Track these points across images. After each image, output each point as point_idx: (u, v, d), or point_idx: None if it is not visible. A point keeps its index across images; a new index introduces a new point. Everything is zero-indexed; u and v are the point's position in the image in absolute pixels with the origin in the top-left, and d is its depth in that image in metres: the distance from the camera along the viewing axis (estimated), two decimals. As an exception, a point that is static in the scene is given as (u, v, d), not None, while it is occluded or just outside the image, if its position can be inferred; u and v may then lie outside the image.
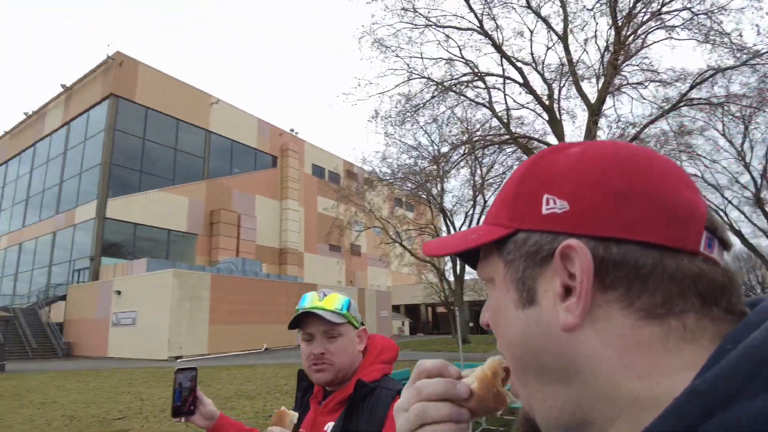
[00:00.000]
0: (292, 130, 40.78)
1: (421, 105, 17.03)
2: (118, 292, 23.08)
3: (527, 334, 0.43)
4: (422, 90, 17.00)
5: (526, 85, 15.62)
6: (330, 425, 1.29)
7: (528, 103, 16.55)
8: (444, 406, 0.48)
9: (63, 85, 32.77)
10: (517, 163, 20.13)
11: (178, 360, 20.46)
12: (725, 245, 0.42)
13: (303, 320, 1.37)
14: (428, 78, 16.64)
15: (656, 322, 0.38)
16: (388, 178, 23.91)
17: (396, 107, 17.47)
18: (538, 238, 0.42)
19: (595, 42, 14.93)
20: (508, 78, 16.13)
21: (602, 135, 15.58)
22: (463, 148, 17.75)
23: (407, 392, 0.50)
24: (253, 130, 37.24)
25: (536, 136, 17.45)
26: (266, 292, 24.48)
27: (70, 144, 31.82)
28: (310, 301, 1.37)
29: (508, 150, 19.35)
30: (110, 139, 28.49)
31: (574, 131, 21.63)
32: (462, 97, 17.14)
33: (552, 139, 16.10)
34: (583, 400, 0.40)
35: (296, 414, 1.34)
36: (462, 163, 19.93)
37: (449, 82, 16.53)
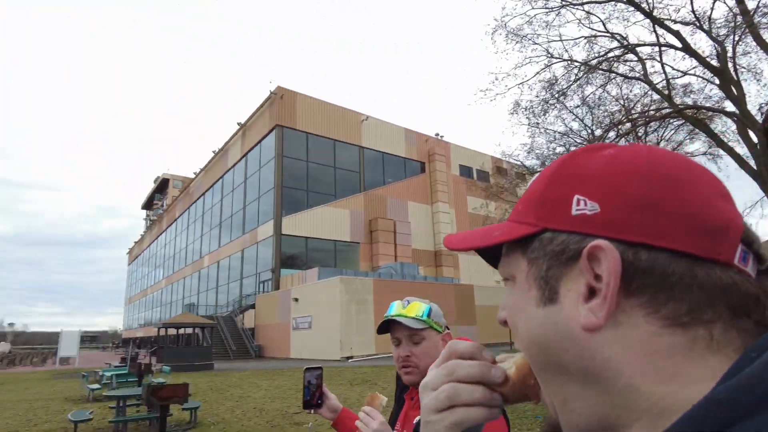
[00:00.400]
0: (437, 135, 41.33)
1: (566, 89, 15.94)
2: (296, 299, 25.73)
3: (546, 333, 0.42)
4: (565, 74, 15.92)
5: (686, 49, 13.58)
6: (418, 418, 1.35)
7: (693, 68, 14.40)
8: (477, 389, 0.47)
9: (239, 123, 37.95)
10: (688, 138, 17.69)
11: (349, 360, 22.03)
12: (760, 260, 0.40)
13: (390, 326, 1.53)
14: (570, 60, 15.52)
15: (681, 330, 0.37)
16: (540, 170, 22.76)
17: (537, 96, 16.62)
18: (566, 238, 0.41)
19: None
20: (665, 45, 14.21)
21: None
22: (622, 128, 16.10)
23: (436, 371, 0.49)
24: (401, 140, 38.65)
25: (708, 105, 15.06)
26: (424, 294, 24.91)
27: (249, 172, 36.58)
28: (395, 309, 1.53)
29: (676, 124, 17.05)
30: (280, 165, 32.07)
31: (760, 90, 18.12)
32: (612, 74, 15.62)
33: (729, 105, 13.75)
34: (602, 403, 0.39)
35: (386, 398, 1.49)
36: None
37: (595, 59, 15.21)
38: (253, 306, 31.32)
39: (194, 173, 50.29)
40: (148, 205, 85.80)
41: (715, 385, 0.33)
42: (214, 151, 43.56)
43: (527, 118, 17.99)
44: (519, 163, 22.86)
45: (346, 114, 35.90)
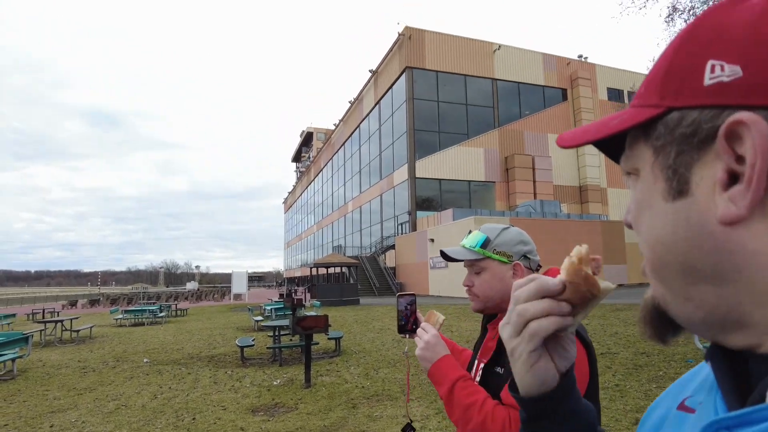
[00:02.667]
0: (580, 57, 37.38)
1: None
2: (432, 240, 26.18)
3: (675, 230, 0.37)
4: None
5: None
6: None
7: None
8: (541, 301, 0.47)
9: (370, 70, 38.38)
10: None
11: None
12: None
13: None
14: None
15: None
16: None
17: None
18: (697, 116, 0.35)
19: None
20: None
21: None
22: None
23: (508, 312, 0.50)
24: (539, 67, 35.74)
25: None
26: (567, 232, 23.66)
27: (382, 119, 37.20)
28: (479, 223, 1.47)
29: None
30: (411, 108, 31.99)
31: None
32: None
33: None
34: (740, 301, 0.34)
35: (443, 316, 1.50)
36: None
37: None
38: (393, 246, 32.68)
39: (334, 125, 52.79)
40: (296, 157, 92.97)
41: None
42: (350, 102, 45.00)
43: (686, 22, 15.23)
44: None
45: (477, 46, 34.07)
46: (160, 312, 19.62)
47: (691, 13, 14.44)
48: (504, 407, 1.14)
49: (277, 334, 10.03)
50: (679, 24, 15.07)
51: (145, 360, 9.58)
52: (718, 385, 0.40)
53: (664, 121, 0.37)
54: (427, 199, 32.11)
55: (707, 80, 0.34)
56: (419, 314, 1.68)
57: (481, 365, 1.39)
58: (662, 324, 0.41)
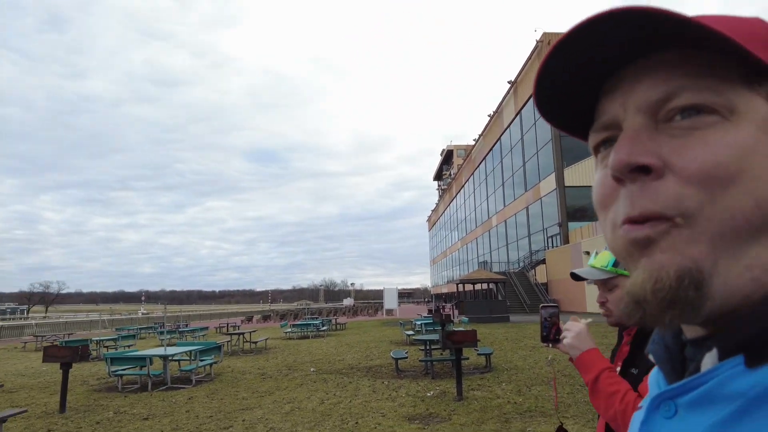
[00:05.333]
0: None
1: None
2: (587, 253, 24.50)
3: None
4: None
5: None
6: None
7: None
8: None
9: (509, 81, 37.73)
10: None
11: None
12: None
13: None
14: None
15: None
16: None
17: None
18: None
19: None
20: None
21: None
22: None
23: None
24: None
25: None
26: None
27: (524, 129, 36.14)
28: (591, 259, 1.65)
29: None
30: (554, 114, 30.69)
31: None
32: None
33: None
34: None
35: (586, 320, 1.61)
36: None
37: None
38: (543, 261, 31.25)
39: (474, 140, 52.70)
40: (438, 176, 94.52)
41: None
42: (489, 115, 44.62)
43: None
44: None
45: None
46: (323, 326, 21.37)
47: None
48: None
49: (428, 347, 10.35)
50: None
51: (311, 369, 10.60)
52: (659, 369, 0.42)
53: None
54: (580, 208, 30.23)
55: None
56: (561, 325, 1.76)
57: (617, 368, 1.47)
58: (687, 305, 0.32)
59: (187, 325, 27.10)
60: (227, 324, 25.89)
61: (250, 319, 33.82)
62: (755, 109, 0.33)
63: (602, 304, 1.56)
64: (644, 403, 0.40)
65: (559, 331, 1.75)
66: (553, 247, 30.58)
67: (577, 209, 30.02)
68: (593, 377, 1.37)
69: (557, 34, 31.15)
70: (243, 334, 15.70)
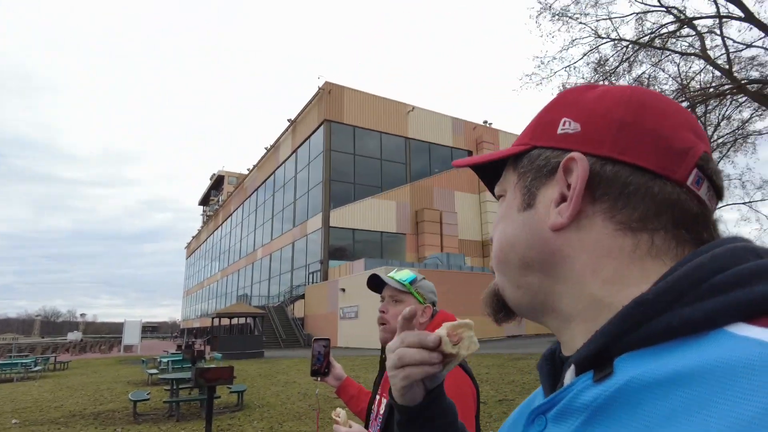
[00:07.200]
0: (485, 122, 40.55)
1: (616, 68, 15.16)
2: (343, 290, 26.10)
3: (519, 233, 0.49)
4: (615, 53, 15.14)
5: (750, 18, 12.58)
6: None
7: (759, 39, 13.32)
8: (418, 351, 0.60)
9: (289, 120, 38.73)
10: (756, 116, 16.39)
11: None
12: (717, 191, 0.46)
13: (381, 286, 1.70)
14: (619, 39, 14.74)
15: (630, 234, 0.43)
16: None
17: (583, 78, 15.89)
18: (549, 154, 0.48)
19: None
20: (726, 16, 13.22)
21: None
22: (677, 107, 15.06)
23: (396, 338, 0.63)
24: (448, 129, 38.19)
25: None
26: (470, 284, 24.78)
27: (299, 168, 37.31)
28: (388, 272, 1.71)
29: (740, 100, 15.84)
30: (328, 159, 32.52)
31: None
32: (666, 51, 14.73)
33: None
34: (553, 292, 0.46)
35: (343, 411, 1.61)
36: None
37: (646, 36, 14.38)
38: (302, 296, 32.04)
39: (248, 170, 51.91)
40: (204, 201, 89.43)
41: (647, 289, 0.39)
42: (266, 148, 44.75)
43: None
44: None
45: (393, 106, 35.85)
46: (35, 365, 17.46)
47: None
48: None
49: (175, 387, 9.36)
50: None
51: (14, 421, 8.45)
52: (542, 386, 0.51)
53: (529, 155, 0.51)
54: (340, 248, 32.19)
55: (559, 130, 0.48)
56: (332, 358, 1.80)
57: (383, 401, 1.50)
58: (499, 306, 0.54)
59: None
60: None
61: None
62: (511, 183, 0.53)
63: (382, 313, 1.62)
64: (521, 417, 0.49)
65: (329, 365, 1.78)
66: (313, 282, 31.67)
67: (337, 248, 31.92)
68: None
69: (339, 85, 33.51)
70: None
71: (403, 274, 1.65)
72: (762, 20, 12.59)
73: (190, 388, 10.21)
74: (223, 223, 62.46)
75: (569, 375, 0.42)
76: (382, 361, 1.64)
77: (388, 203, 33.88)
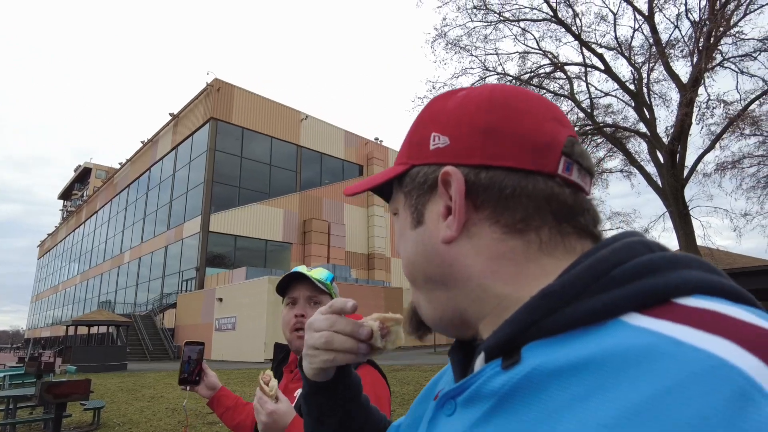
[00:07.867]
0: (376, 139, 41.55)
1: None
2: (220, 300, 24.86)
3: (417, 250, 0.51)
4: (498, 86, 16.51)
5: (608, 71, 14.64)
6: (299, 391, 1.34)
7: (614, 90, 15.45)
8: (348, 340, 0.60)
9: (171, 114, 36.27)
10: (608, 155, 18.84)
11: (265, 360, 21.51)
12: (588, 171, 0.49)
13: (290, 286, 1.50)
14: (504, 74, 16.15)
15: (518, 235, 0.45)
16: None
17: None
18: (426, 170, 0.50)
19: (687, 15, 13.58)
20: (590, 66, 15.22)
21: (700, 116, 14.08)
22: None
23: (321, 317, 0.62)
24: (340, 142, 38.49)
25: (626, 125, 16.18)
26: (355, 296, 24.32)
27: (178, 166, 35.01)
28: (301, 269, 1.50)
29: (598, 141, 18.15)
30: (212, 159, 30.93)
31: (668, 116, 19.66)
32: (542, 90, 16.42)
33: (642, 127, 14.86)
34: (460, 302, 0.48)
35: (275, 380, 1.31)
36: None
37: (527, 75, 15.94)
38: (174, 305, 29.89)
39: (120, 164, 47.50)
40: (66, 195, 80.00)
41: (551, 283, 0.41)
42: (142, 142, 41.32)
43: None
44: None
45: (286, 111, 35.28)
46: None
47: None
48: None
49: (12, 406, 8.14)
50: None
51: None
52: (452, 371, 0.53)
53: (409, 174, 0.52)
54: (219, 255, 30.68)
55: (431, 146, 0.50)
56: (205, 365, 1.61)
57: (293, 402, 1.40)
58: (418, 324, 0.56)
59: None
60: None
61: None
62: (400, 203, 0.55)
63: (300, 317, 1.44)
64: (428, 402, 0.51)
65: (201, 373, 1.60)
66: (187, 291, 29.75)
67: (216, 255, 30.40)
68: None
69: (229, 84, 32.18)
70: None
71: (322, 273, 1.52)
72: (617, 74, 14.65)
73: (32, 407, 8.98)
74: (86, 220, 56.17)
75: (479, 362, 0.43)
76: (278, 369, 1.54)
77: (275, 210, 33.09)
